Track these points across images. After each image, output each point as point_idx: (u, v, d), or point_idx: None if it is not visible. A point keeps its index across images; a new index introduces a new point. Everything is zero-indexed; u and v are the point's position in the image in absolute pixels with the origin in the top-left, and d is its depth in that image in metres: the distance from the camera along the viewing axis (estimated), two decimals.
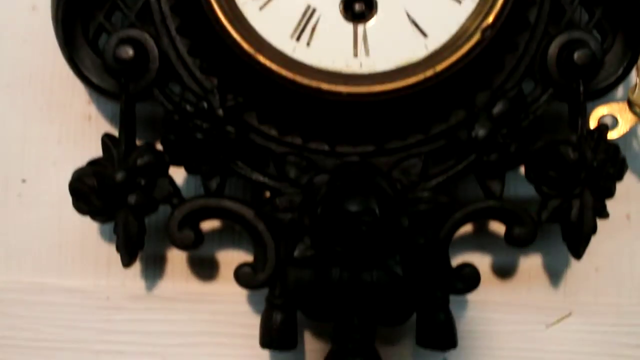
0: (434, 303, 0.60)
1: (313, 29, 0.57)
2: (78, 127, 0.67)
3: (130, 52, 0.58)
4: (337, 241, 0.56)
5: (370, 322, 0.59)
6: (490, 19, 0.56)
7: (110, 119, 0.67)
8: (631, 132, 0.67)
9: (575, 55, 0.59)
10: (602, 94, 0.61)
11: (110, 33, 0.60)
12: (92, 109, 0.68)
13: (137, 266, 0.67)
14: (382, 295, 0.57)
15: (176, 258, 0.68)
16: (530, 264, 0.68)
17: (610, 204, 0.61)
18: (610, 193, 0.60)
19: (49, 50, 0.65)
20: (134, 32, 0.60)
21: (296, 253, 0.58)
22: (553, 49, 0.60)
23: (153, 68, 0.59)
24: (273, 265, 0.59)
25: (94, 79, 0.61)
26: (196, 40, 0.59)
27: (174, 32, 0.59)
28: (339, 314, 0.58)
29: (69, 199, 0.60)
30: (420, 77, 0.55)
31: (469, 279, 0.60)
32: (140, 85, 0.60)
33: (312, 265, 0.58)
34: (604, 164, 0.59)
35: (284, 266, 0.58)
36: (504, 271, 0.68)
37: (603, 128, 0.60)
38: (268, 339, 0.59)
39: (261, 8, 0.57)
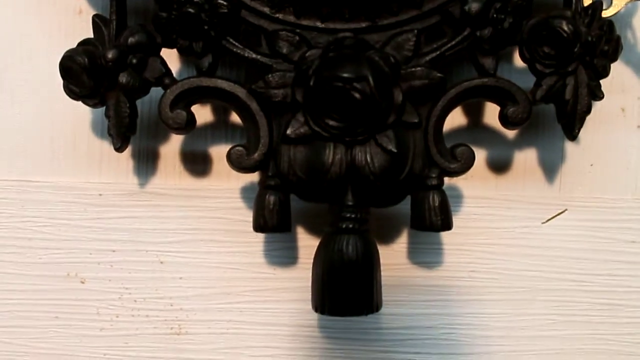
0: (428, 184, 0.59)
1: None
2: (69, 21, 0.66)
3: None
4: (330, 114, 0.55)
5: (364, 202, 0.58)
6: None
7: (101, 11, 0.66)
8: (625, 24, 0.66)
9: None
10: None
11: None
12: (82, 2, 0.67)
13: (129, 163, 0.67)
14: (376, 173, 0.56)
15: (169, 154, 0.67)
16: (525, 158, 0.68)
17: (604, 99, 0.60)
18: (605, 72, 0.60)
19: None
20: None
21: (289, 131, 0.57)
22: None
23: None
24: (267, 145, 0.58)
25: None
26: None
27: None
28: (333, 194, 0.58)
29: (61, 93, 0.59)
30: None
31: (464, 158, 0.59)
32: None
33: (305, 143, 0.57)
34: (599, 39, 0.59)
35: (277, 145, 0.57)
36: (499, 166, 0.68)
37: (597, 4, 0.59)
38: (262, 222, 0.59)
39: None
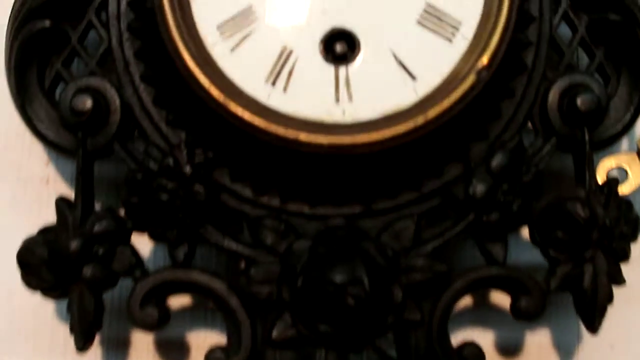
0: None
1: (290, 73, 0.51)
2: (34, 191, 0.61)
3: (88, 102, 0.52)
4: (321, 318, 0.49)
5: None
6: (485, 59, 0.50)
7: (71, 183, 0.60)
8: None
9: (579, 101, 0.53)
10: (608, 143, 0.56)
11: (68, 83, 0.54)
12: (50, 171, 0.61)
13: (96, 350, 0.59)
14: None
15: (141, 341, 0.60)
16: (539, 340, 0.61)
17: (625, 270, 0.54)
18: (626, 255, 0.54)
19: (3, 103, 0.58)
20: (94, 81, 0.54)
21: (275, 333, 0.50)
22: (553, 94, 0.54)
23: (114, 121, 0.53)
24: (249, 348, 0.51)
25: (49, 134, 0.55)
26: (162, 89, 0.53)
27: (137, 81, 0.54)
28: None
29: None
30: (409, 125, 0.49)
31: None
32: (100, 141, 0.54)
33: (293, 347, 0.50)
34: (617, 222, 0.53)
35: (262, 348, 0.50)
36: (510, 349, 0.61)
37: (613, 182, 0.54)
38: None
39: (232, 49, 0.51)
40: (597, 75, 0.56)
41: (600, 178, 0.56)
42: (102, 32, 0.55)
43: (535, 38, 0.55)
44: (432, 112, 0.50)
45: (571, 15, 0.56)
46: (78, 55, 0.56)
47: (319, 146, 0.49)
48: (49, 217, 0.56)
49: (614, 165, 0.57)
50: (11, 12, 0.55)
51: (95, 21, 0.56)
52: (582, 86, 0.55)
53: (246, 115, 0.49)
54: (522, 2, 0.52)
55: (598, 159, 0.57)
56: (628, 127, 0.56)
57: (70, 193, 0.58)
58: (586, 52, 0.57)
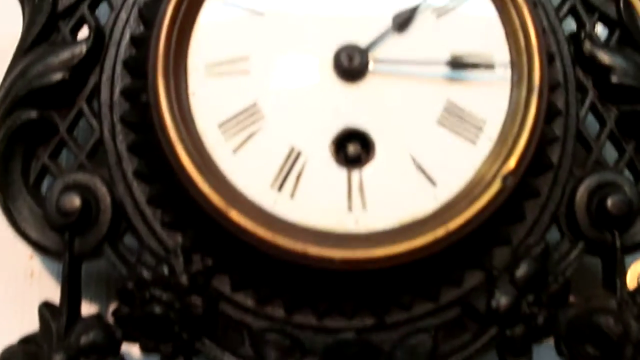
0: None
1: (298, 177, 0.46)
2: (18, 286, 0.57)
3: (76, 201, 0.48)
4: None
5: None
6: (513, 162, 0.46)
7: (57, 277, 0.55)
8: None
9: (609, 203, 0.49)
10: None
11: (55, 177, 0.49)
12: (35, 264, 0.57)
13: None
14: None
15: None
16: None
17: None
18: None
19: None
20: (83, 177, 0.49)
21: None
22: (581, 194, 0.50)
23: (104, 221, 0.49)
24: None
25: (33, 234, 0.50)
26: (157, 188, 0.48)
27: (130, 177, 0.49)
28: None
29: None
30: (429, 237, 0.44)
31: None
32: (88, 242, 0.50)
33: None
34: None
35: None
36: None
37: None
38: None
39: (235, 150, 0.46)
40: (627, 172, 0.52)
41: (631, 284, 0.51)
42: (93, 121, 0.51)
43: (561, 132, 0.51)
44: (453, 224, 0.45)
45: (599, 107, 0.52)
46: (67, 146, 0.51)
47: (330, 261, 0.45)
48: (32, 315, 0.51)
49: None
50: None
51: (86, 110, 0.51)
52: (612, 185, 0.51)
53: (249, 225, 0.45)
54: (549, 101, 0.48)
55: (628, 262, 0.52)
56: None
57: (55, 288, 0.54)
58: (615, 147, 0.53)
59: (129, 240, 0.51)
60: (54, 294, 0.51)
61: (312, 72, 0.48)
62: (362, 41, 0.48)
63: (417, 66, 0.48)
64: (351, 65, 0.47)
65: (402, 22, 0.48)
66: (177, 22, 0.47)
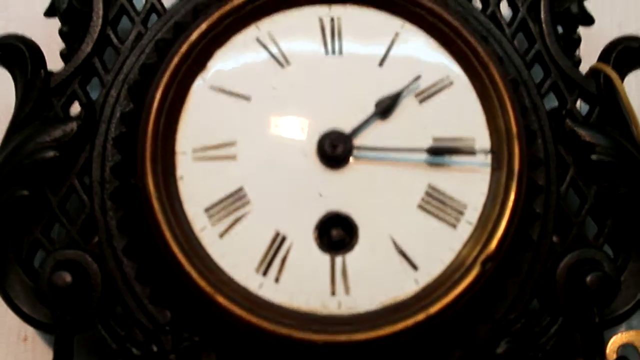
0: None
1: (283, 261, 0.48)
2: (10, 350, 0.58)
3: (68, 278, 0.49)
4: None
5: None
6: (492, 246, 0.47)
7: (51, 342, 0.56)
8: None
9: (588, 279, 0.51)
10: (619, 321, 0.53)
11: (47, 251, 0.51)
12: (28, 329, 0.57)
13: None
14: None
15: None
16: None
17: None
18: None
19: None
20: (74, 254, 0.50)
21: None
22: (561, 270, 0.52)
23: (95, 296, 0.50)
24: None
25: (25, 308, 0.52)
26: (146, 265, 0.49)
27: (120, 254, 0.50)
28: None
29: None
30: (410, 322, 0.46)
31: None
32: (80, 317, 0.50)
33: None
34: None
35: None
36: None
37: None
38: None
39: (222, 235, 0.48)
40: (606, 247, 0.53)
41: (611, 357, 0.53)
42: (85, 197, 0.52)
43: (542, 209, 0.52)
44: (434, 309, 0.47)
45: (580, 183, 0.53)
46: (58, 221, 0.52)
47: (313, 344, 0.46)
48: None
49: (625, 342, 0.53)
50: None
51: (77, 185, 0.52)
52: (591, 261, 0.52)
53: (235, 309, 0.47)
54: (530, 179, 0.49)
55: (610, 334, 0.53)
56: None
57: (48, 353, 0.55)
58: (595, 222, 0.54)
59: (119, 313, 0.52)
60: (47, 359, 0.52)
61: (296, 158, 0.49)
62: (346, 127, 0.50)
63: (399, 152, 0.49)
64: (334, 153, 0.49)
65: (385, 108, 0.50)
66: (165, 106, 0.49)
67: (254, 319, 0.46)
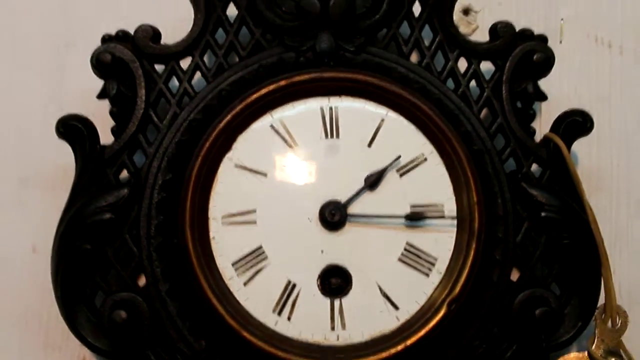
0: None
1: (293, 304, 0.61)
2: None
3: (123, 315, 0.63)
4: None
5: None
6: (457, 290, 0.61)
7: None
8: None
9: (537, 312, 0.64)
10: (563, 346, 0.66)
11: (105, 293, 0.64)
12: (86, 352, 0.71)
13: None
14: None
15: None
16: None
17: None
18: None
19: (47, 292, 0.68)
20: (127, 295, 0.64)
21: None
22: (516, 305, 0.65)
23: (145, 329, 0.64)
24: None
25: (89, 338, 0.65)
26: (185, 304, 0.63)
27: (164, 295, 0.64)
28: None
29: None
30: (392, 351, 0.60)
31: None
32: (133, 346, 0.64)
33: None
34: None
35: None
36: None
37: None
38: None
39: (245, 283, 0.62)
40: (553, 286, 0.67)
41: None
42: (135, 249, 0.66)
43: (501, 256, 0.65)
44: (410, 340, 0.60)
45: (532, 235, 0.67)
46: (114, 268, 0.66)
47: None
48: None
49: None
50: (55, 235, 0.66)
51: (128, 239, 0.66)
52: (541, 298, 0.65)
53: (256, 341, 0.60)
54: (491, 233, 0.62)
55: (553, 357, 0.67)
56: (580, 332, 0.66)
57: None
58: (545, 266, 0.67)
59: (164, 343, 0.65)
60: None
61: (303, 223, 0.63)
62: (342, 197, 0.63)
63: (384, 218, 0.63)
64: (333, 219, 0.63)
65: (373, 182, 0.63)
66: (200, 182, 0.62)
67: (271, 349, 0.60)
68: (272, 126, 0.63)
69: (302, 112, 0.63)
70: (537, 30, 0.71)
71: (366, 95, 0.63)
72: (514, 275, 0.66)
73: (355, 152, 0.62)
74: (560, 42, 0.77)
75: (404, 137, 0.63)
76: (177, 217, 0.62)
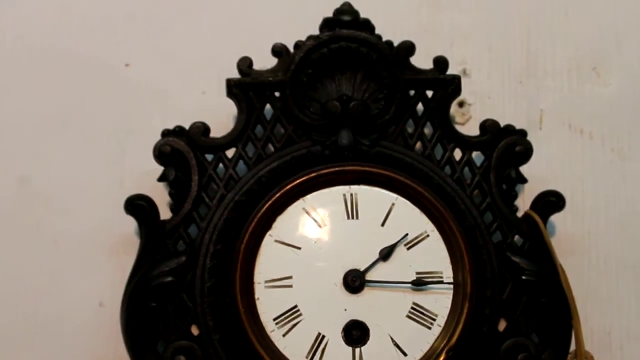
0: None
1: (323, 351, 0.77)
2: None
3: (183, 359, 0.78)
4: None
5: None
6: (453, 341, 0.77)
7: None
8: None
9: (519, 357, 0.79)
10: None
11: (166, 341, 0.80)
12: None
13: None
14: None
15: None
16: None
17: None
18: None
19: (113, 341, 0.83)
20: (185, 343, 0.79)
21: None
22: (502, 352, 0.79)
23: None
24: None
25: None
26: (234, 352, 0.79)
27: (216, 344, 0.79)
28: None
29: None
30: None
31: None
32: None
33: None
34: None
35: None
36: None
37: None
38: None
39: (284, 335, 0.77)
40: (533, 336, 0.82)
41: None
42: (191, 305, 0.81)
43: (489, 311, 0.81)
44: None
45: (516, 294, 0.82)
46: (173, 321, 0.81)
47: None
48: None
49: None
50: (125, 294, 0.81)
51: (185, 297, 0.81)
52: (523, 346, 0.81)
53: None
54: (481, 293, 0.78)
55: None
56: None
57: None
58: (526, 319, 0.82)
59: None
60: None
61: (330, 287, 0.78)
62: (361, 266, 0.79)
63: (394, 283, 0.79)
64: (354, 284, 0.78)
65: (386, 254, 0.79)
66: (247, 254, 0.78)
67: None
68: (304, 209, 0.79)
69: (328, 198, 0.78)
70: (521, 118, 0.88)
71: (380, 184, 0.78)
72: (501, 326, 0.81)
73: (371, 230, 0.77)
74: (540, 128, 0.92)
75: (410, 218, 0.78)
76: (228, 281, 0.77)
